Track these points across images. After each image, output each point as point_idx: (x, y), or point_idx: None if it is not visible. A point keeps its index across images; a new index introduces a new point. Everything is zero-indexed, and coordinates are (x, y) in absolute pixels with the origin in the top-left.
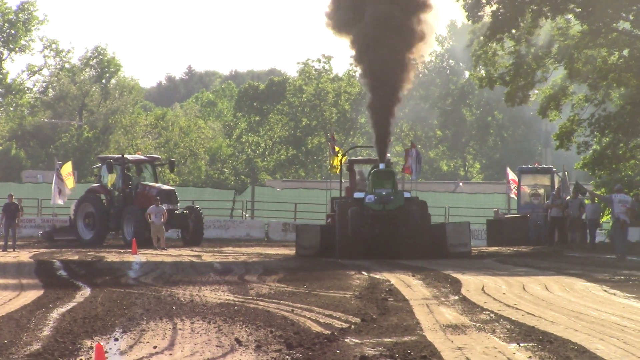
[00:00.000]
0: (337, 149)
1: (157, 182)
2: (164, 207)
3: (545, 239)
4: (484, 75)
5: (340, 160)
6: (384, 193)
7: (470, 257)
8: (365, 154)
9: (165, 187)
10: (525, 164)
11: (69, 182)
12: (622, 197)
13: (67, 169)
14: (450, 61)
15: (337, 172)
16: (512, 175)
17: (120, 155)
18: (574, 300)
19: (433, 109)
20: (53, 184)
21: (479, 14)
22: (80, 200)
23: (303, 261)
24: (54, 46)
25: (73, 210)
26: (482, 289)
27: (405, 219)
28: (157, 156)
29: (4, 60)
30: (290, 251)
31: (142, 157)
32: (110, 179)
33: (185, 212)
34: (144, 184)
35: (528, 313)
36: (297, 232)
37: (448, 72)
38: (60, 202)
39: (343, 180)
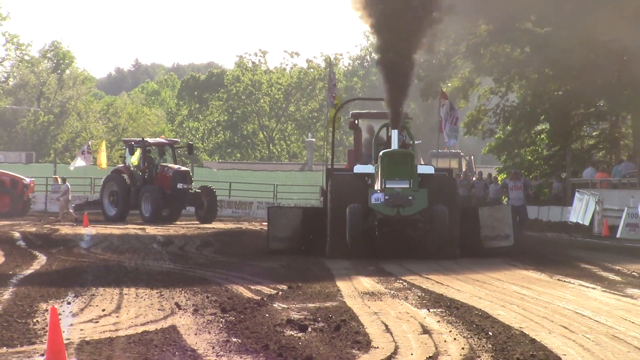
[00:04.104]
0: (336, 100)
1: (176, 163)
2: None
3: None
4: None
5: (335, 115)
6: (398, 191)
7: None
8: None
9: (182, 168)
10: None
11: (100, 159)
12: (516, 183)
13: (101, 146)
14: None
15: (331, 126)
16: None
17: (141, 139)
18: (479, 271)
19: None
20: (78, 156)
21: None
22: (106, 179)
23: (236, 234)
24: (15, 40)
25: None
26: (397, 261)
27: (428, 223)
28: (177, 140)
29: None
30: (225, 225)
31: (162, 140)
32: (134, 161)
33: (198, 190)
34: (163, 165)
35: (437, 282)
36: (270, 218)
37: (366, 64)
38: (71, 168)
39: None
